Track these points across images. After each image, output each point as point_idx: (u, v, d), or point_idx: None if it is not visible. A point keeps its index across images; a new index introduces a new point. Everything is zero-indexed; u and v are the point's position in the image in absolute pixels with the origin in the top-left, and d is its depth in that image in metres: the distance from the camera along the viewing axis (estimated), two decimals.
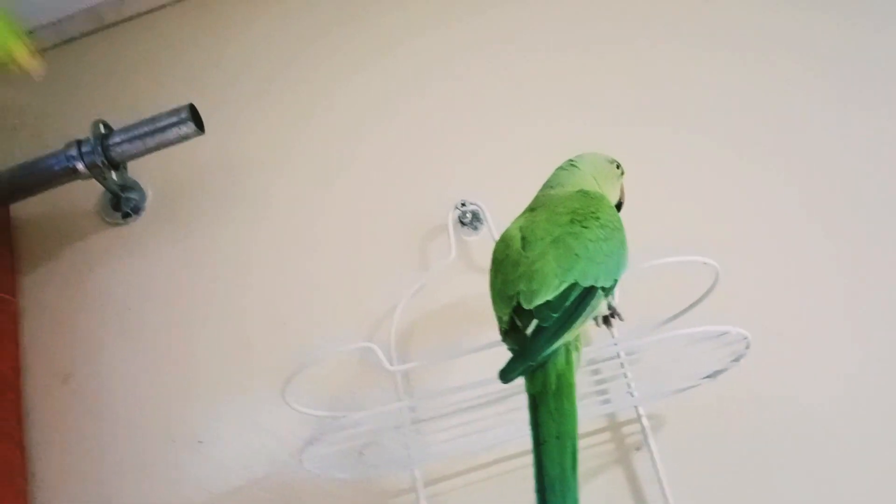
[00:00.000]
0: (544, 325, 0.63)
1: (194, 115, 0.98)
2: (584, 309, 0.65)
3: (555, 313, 0.63)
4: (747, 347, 0.76)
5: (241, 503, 0.91)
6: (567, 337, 0.64)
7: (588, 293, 0.65)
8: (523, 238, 0.69)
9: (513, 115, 1.04)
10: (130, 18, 1.21)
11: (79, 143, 0.99)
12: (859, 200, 0.93)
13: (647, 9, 1.07)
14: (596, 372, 0.84)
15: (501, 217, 0.92)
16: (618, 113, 1.02)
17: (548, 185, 0.77)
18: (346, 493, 0.89)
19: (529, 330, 0.63)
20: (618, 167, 0.80)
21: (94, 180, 1.02)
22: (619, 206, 0.81)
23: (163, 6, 1.21)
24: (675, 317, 0.83)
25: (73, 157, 0.99)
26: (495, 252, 0.72)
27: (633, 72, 1.04)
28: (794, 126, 0.98)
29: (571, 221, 0.70)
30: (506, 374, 0.63)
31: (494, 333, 0.70)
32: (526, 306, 0.64)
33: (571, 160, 0.79)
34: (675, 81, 1.03)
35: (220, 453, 0.94)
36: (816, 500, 0.81)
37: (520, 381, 0.65)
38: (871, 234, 0.91)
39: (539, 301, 0.64)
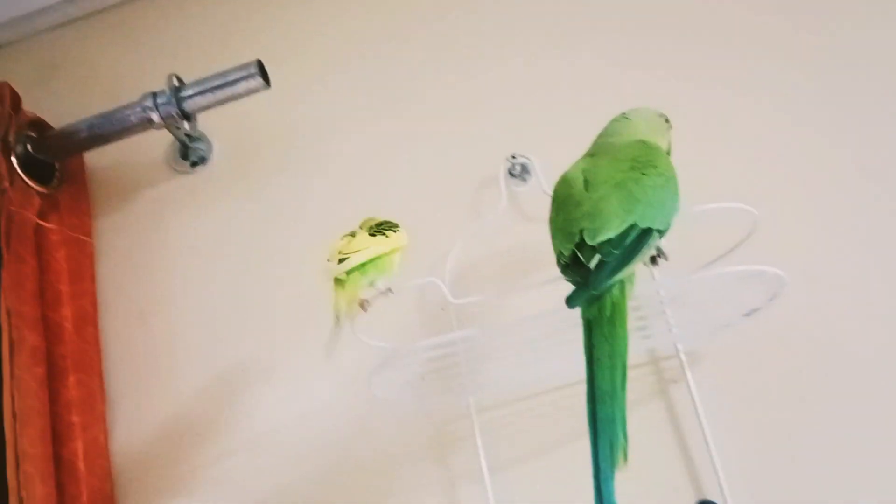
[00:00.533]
0: (607, 259, 0.69)
1: (262, 71, 1.05)
2: (641, 248, 0.71)
3: (616, 250, 0.69)
4: (783, 287, 0.83)
5: (310, 429, 0.99)
6: (626, 272, 0.70)
7: (645, 234, 0.71)
8: (586, 180, 0.76)
9: (562, 74, 1.09)
10: None
11: (154, 95, 1.06)
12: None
13: None
14: (637, 308, 0.90)
15: (548, 169, 0.99)
16: (664, 67, 1.06)
17: (605, 135, 0.83)
18: (406, 419, 0.96)
19: (593, 264, 0.69)
20: (666, 121, 0.86)
21: (164, 130, 1.09)
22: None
23: None
24: (716, 260, 0.89)
25: (148, 108, 1.05)
26: (556, 191, 0.78)
27: (679, 26, 1.09)
28: (833, 71, 1.02)
29: (632, 168, 0.76)
30: (572, 301, 0.69)
31: (542, 274, 0.77)
32: (590, 242, 0.70)
33: (624, 113, 0.85)
34: (718, 33, 1.07)
35: (289, 384, 1.02)
36: (848, 437, 0.87)
37: (570, 317, 0.72)
38: None
39: (602, 238, 0.70)
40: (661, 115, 0.86)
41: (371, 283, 0.81)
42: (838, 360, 0.89)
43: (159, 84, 1.12)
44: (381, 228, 0.83)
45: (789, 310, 0.87)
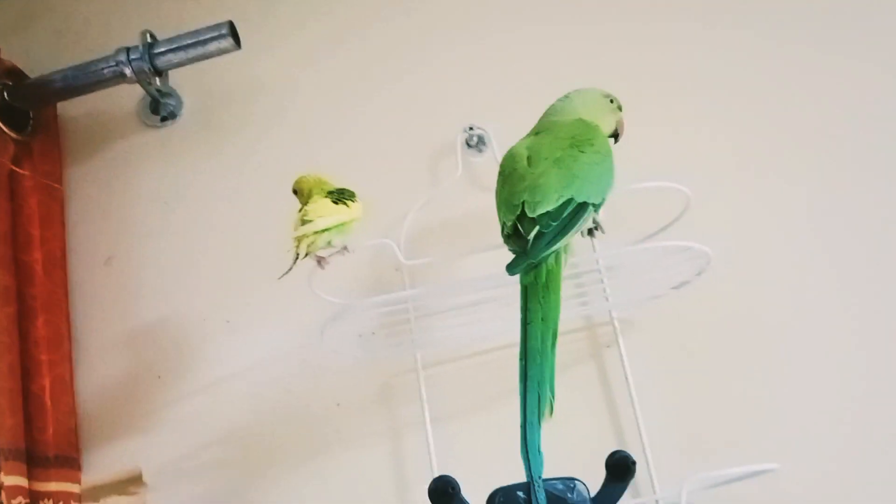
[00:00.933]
0: (545, 231, 0.76)
1: (233, 32, 1.09)
2: (577, 220, 0.77)
3: (554, 222, 0.76)
4: (709, 263, 0.90)
5: (266, 377, 1.06)
6: (562, 243, 0.77)
7: (581, 208, 0.78)
8: (529, 157, 0.82)
9: (518, 49, 1.15)
10: None
11: (127, 49, 1.09)
12: (824, 123, 1.04)
13: None
14: (577, 276, 0.97)
15: (503, 141, 1.05)
16: (613, 46, 1.13)
17: (549, 114, 0.89)
18: (357, 371, 1.03)
19: (532, 235, 0.76)
20: (612, 101, 0.91)
21: (136, 85, 1.13)
22: (615, 137, 0.92)
23: None
24: (652, 235, 0.97)
25: (122, 63, 1.09)
26: (503, 166, 0.85)
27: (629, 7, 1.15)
28: (766, 55, 1.09)
29: (571, 146, 0.82)
30: (511, 268, 0.76)
31: (493, 240, 0.83)
32: (530, 214, 0.77)
33: (568, 94, 0.91)
34: (663, 11, 1.13)
35: (246, 332, 1.08)
36: (758, 397, 0.95)
37: (511, 283, 0.79)
38: (835, 156, 1.03)
39: (541, 210, 0.76)
40: (607, 97, 0.92)
41: (329, 243, 0.87)
42: (754, 331, 0.97)
43: (132, 39, 1.16)
44: (342, 197, 0.89)
45: (714, 284, 0.94)
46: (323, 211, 0.87)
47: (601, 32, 1.14)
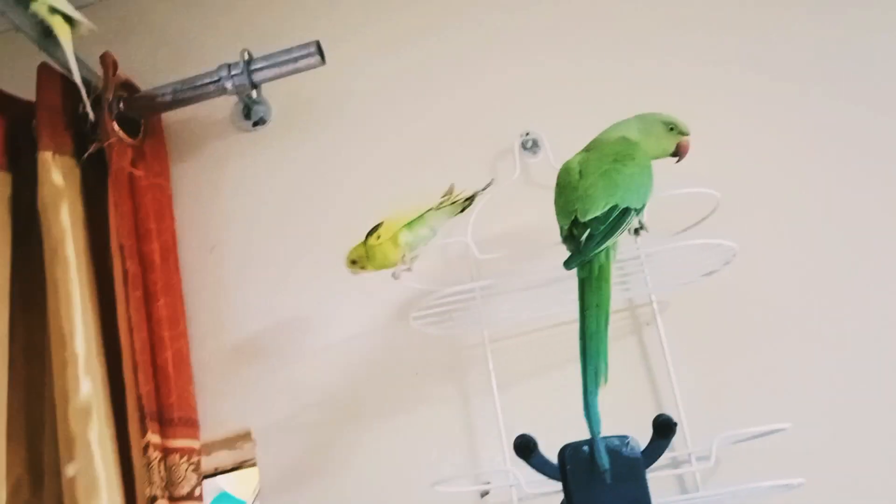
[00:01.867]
0: (594, 233, 0.92)
1: (319, 50, 1.24)
2: (621, 223, 0.94)
3: (601, 225, 0.93)
4: (734, 256, 1.07)
5: (355, 350, 1.24)
6: (609, 242, 0.93)
7: (625, 212, 0.95)
8: (580, 171, 0.99)
9: (573, 61, 1.31)
10: None
11: (229, 66, 1.25)
12: (844, 126, 1.20)
13: None
14: (622, 268, 1.13)
15: (556, 144, 1.21)
16: (664, 59, 1.28)
17: (603, 132, 1.05)
18: (433, 346, 1.20)
19: (584, 237, 0.92)
20: (672, 129, 1.03)
21: (233, 95, 1.30)
22: (677, 156, 1.05)
23: None
24: (687, 228, 1.13)
25: (224, 78, 1.25)
26: (559, 178, 1.01)
27: (674, 21, 1.29)
28: (786, 59, 1.24)
29: (614, 161, 0.99)
30: (567, 264, 0.92)
31: (548, 235, 1.00)
32: (581, 219, 0.93)
33: (630, 118, 1.05)
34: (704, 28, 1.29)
35: (337, 312, 1.25)
36: (780, 366, 1.12)
37: (563, 274, 0.96)
38: (853, 158, 1.18)
39: (591, 216, 0.93)
40: (667, 124, 1.03)
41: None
42: (773, 310, 1.14)
43: (220, 50, 1.33)
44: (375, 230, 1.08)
45: (739, 269, 1.10)
46: (394, 224, 1.06)
47: (641, 43, 1.29)
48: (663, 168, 1.07)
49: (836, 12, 1.25)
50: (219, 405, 1.25)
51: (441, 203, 1.10)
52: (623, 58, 1.29)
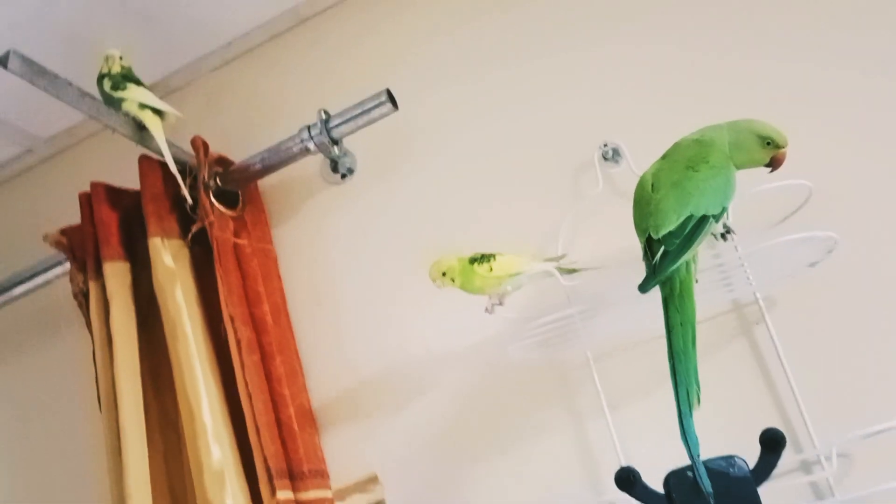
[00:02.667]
0: (669, 249, 0.90)
1: (391, 97, 1.27)
2: (699, 233, 0.91)
3: (677, 239, 0.90)
4: (836, 243, 1.01)
5: (460, 384, 1.26)
6: (688, 256, 0.90)
7: (702, 220, 0.91)
8: (653, 184, 0.96)
9: (647, 59, 1.27)
10: (323, 11, 1.52)
11: (308, 127, 1.30)
12: None
13: None
14: (722, 270, 1.09)
15: (637, 152, 1.19)
16: (739, 57, 1.22)
17: (687, 137, 1.01)
18: (538, 372, 1.21)
19: (658, 255, 0.90)
20: (768, 144, 0.96)
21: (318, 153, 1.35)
22: (771, 166, 0.99)
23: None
24: (783, 220, 1.08)
25: (305, 139, 1.30)
26: (635, 193, 0.99)
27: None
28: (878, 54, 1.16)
29: (686, 167, 0.95)
30: (642, 287, 0.91)
31: (636, 246, 0.98)
32: (654, 236, 0.91)
33: (723, 124, 1.00)
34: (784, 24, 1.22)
35: (441, 348, 1.28)
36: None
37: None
38: None
39: (664, 231, 0.90)
40: (763, 138, 0.96)
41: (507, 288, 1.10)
42: (886, 296, 1.07)
43: (301, 108, 1.39)
44: (485, 259, 1.09)
45: (848, 256, 1.04)
46: (510, 266, 1.08)
47: (715, 43, 1.24)
48: None
49: None
50: (345, 452, 1.30)
51: (555, 267, 1.12)
52: (702, 53, 1.25)
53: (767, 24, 1.22)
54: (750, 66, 1.21)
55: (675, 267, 0.89)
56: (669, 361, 0.88)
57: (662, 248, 0.89)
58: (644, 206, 0.95)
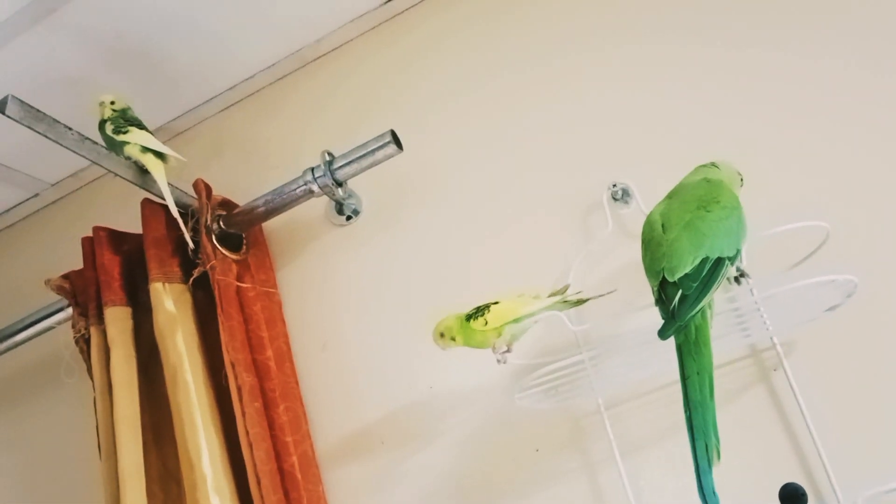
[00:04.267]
0: (687, 293, 0.85)
1: (395, 138, 1.25)
2: (717, 276, 0.86)
3: (694, 283, 0.86)
4: (856, 287, 0.97)
5: (467, 432, 1.22)
6: (706, 300, 0.86)
7: (718, 263, 0.87)
8: (663, 224, 0.92)
9: (651, 107, 1.25)
10: (327, 53, 1.51)
11: (312, 169, 1.28)
12: None
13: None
14: (739, 313, 1.05)
15: (646, 191, 1.16)
16: (742, 102, 1.20)
17: (686, 178, 0.99)
18: (546, 419, 1.17)
19: (676, 299, 0.86)
20: (742, 180, 1.01)
21: (323, 195, 1.33)
22: None
23: (350, 41, 1.49)
24: (801, 262, 1.04)
25: (309, 182, 1.28)
26: (643, 233, 0.95)
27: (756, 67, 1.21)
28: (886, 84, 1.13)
29: (698, 207, 0.92)
30: (663, 333, 0.86)
31: (648, 289, 0.95)
32: (669, 279, 0.87)
33: (713, 161, 1.00)
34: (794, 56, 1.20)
35: (447, 395, 1.24)
36: None
37: None
38: None
39: (680, 274, 0.86)
40: (739, 174, 1.00)
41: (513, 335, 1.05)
42: None
43: (306, 151, 1.38)
44: (479, 314, 1.05)
45: (868, 299, 1.01)
46: (506, 314, 1.03)
47: (725, 83, 1.22)
48: (763, 201, 1.01)
49: None
50: (350, 501, 1.26)
51: (553, 303, 1.06)
52: (712, 92, 1.22)
53: (778, 61, 1.19)
54: (762, 105, 1.18)
55: (695, 312, 0.85)
56: (685, 413, 0.83)
57: (680, 292, 0.85)
58: (655, 247, 0.91)
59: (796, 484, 0.80)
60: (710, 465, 0.80)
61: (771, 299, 1.03)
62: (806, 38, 1.19)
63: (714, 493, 0.79)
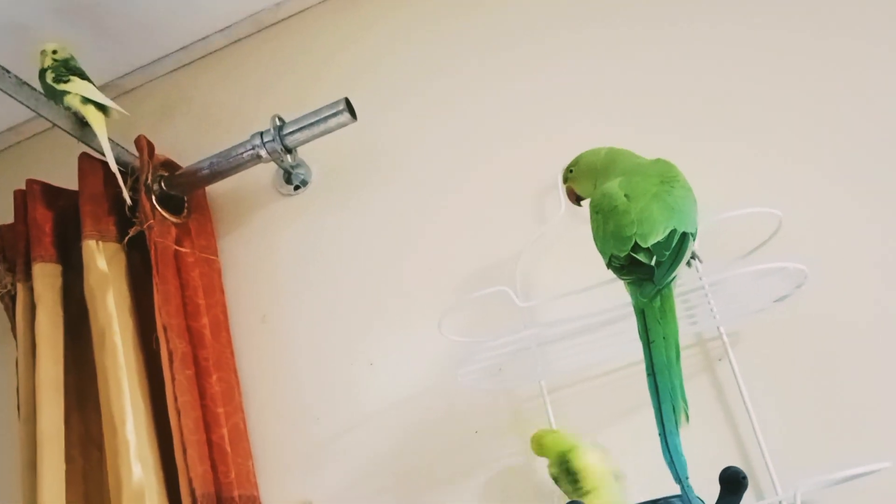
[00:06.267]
0: (661, 259, 0.84)
1: (349, 107, 1.22)
2: (684, 249, 0.85)
3: (666, 251, 0.84)
4: (806, 278, 0.96)
5: (406, 411, 1.18)
6: (678, 270, 0.85)
7: (684, 237, 0.86)
8: (626, 194, 0.90)
9: (609, 91, 1.23)
10: (285, 19, 1.46)
11: (261, 134, 1.24)
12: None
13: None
14: (686, 301, 1.04)
15: None
16: (692, 82, 1.19)
17: (622, 159, 0.98)
18: (488, 401, 1.14)
19: (653, 262, 0.84)
20: None
21: (271, 162, 1.28)
22: None
23: (309, 7, 1.45)
24: (752, 251, 1.04)
25: (257, 146, 1.24)
26: (600, 204, 0.92)
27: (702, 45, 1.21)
28: (852, 76, 1.12)
29: (662, 182, 0.90)
30: (644, 294, 0.84)
31: (599, 274, 0.93)
32: (642, 244, 0.85)
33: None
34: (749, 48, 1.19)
35: (388, 373, 1.21)
36: (865, 399, 1.00)
37: (617, 313, 0.89)
38: None
39: (653, 241, 0.84)
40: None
41: None
42: (856, 333, 1.02)
43: (259, 117, 1.33)
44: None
45: (814, 293, 1.00)
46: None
47: (680, 68, 1.21)
48: (711, 189, 1.00)
49: None
50: (279, 479, 1.22)
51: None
52: (669, 79, 1.21)
53: (734, 52, 1.19)
54: (718, 93, 1.17)
55: (672, 278, 0.83)
56: (649, 378, 0.81)
57: (654, 258, 0.83)
58: (621, 215, 0.88)
59: (737, 468, 0.78)
60: (677, 428, 0.78)
61: (720, 288, 1.02)
62: (759, 25, 1.19)
63: (681, 453, 0.77)
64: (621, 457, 1.05)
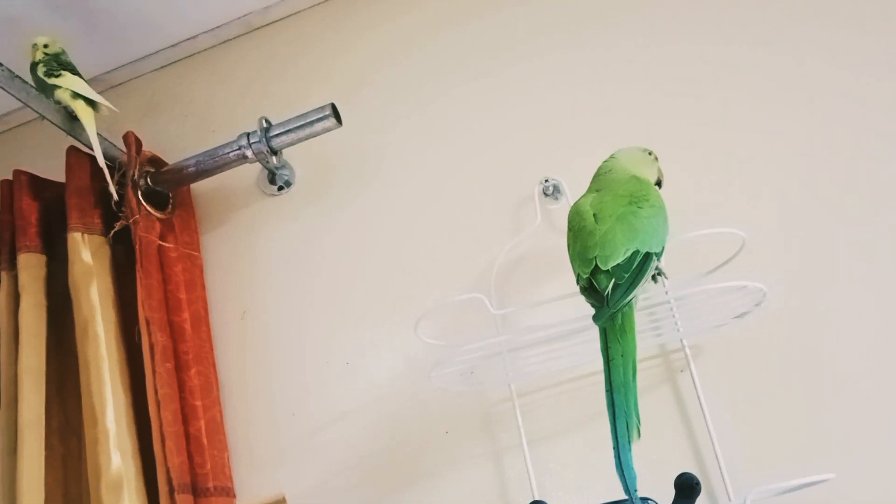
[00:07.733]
0: (619, 282, 0.88)
1: (335, 112, 1.25)
2: (645, 269, 0.90)
3: (626, 273, 0.89)
4: (765, 296, 1.01)
5: (380, 410, 1.22)
6: (637, 291, 0.89)
7: (646, 258, 0.91)
8: (595, 214, 0.95)
9: (585, 106, 1.28)
10: (275, 22, 1.50)
11: (248, 135, 1.27)
12: (874, 164, 1.13)
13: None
14: (652, 313, 1.08)
15: (575, 189, 1.18)
16: (665, 101, 1.24)
17: (602, 172, 1.03)
18: (459, 402, 1.18)
19: (610, 286, 0.88)
20: (650, 154, 1.04)
21: (256, 162, 1.31)
22: (659, 184, 1.05)
23: (299, 11, 1.48)
24: (715, 269, 1.08)
25: (243, 146, 1.27)
26: (572, 221, 0.98)
27: (681, 67, 1.26)
28: (814, 98, 1.18)
29: (630, 202, 0.95)
30: (597, 319, 0.89)
31: (572, 283, 0.97)
32: (602, 267, 0.90)
33: (613, 154, 1.04)
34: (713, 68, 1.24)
35: (363, 372, 1.24)
36: (823, 413, 1.05)
37: (587, 323, 0.93)
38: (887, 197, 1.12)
39: (612, 263, 0.89)
40: (646, 151, 1.05)
41: None
42: (812, 351, 1.08)
43: (244, 117, 1.36)
44: None
45: (774, 310, 1.06)
46: None
47: (652, 88, 1.26)
48: (683, 206, 1.05)
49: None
50: (254, 472, 1.25)
51: None
52: (643, 94, 1.26)
53: (706, 66, 1.24)
54: (689, 112, 1.23)
55: (628, 300, 0.88)
56: (607, 394, 0.86)
57: (613, 281, 0.88)
58: (587, 236, 0.93)
59: (691, 474, 0.83)
60: (629, 443, 0.83)
61: (684, 303, 1.07)
62: (729, 43, 1.24)
63: (632, 470, 0.82)
64: (585, 460, 1.11)
